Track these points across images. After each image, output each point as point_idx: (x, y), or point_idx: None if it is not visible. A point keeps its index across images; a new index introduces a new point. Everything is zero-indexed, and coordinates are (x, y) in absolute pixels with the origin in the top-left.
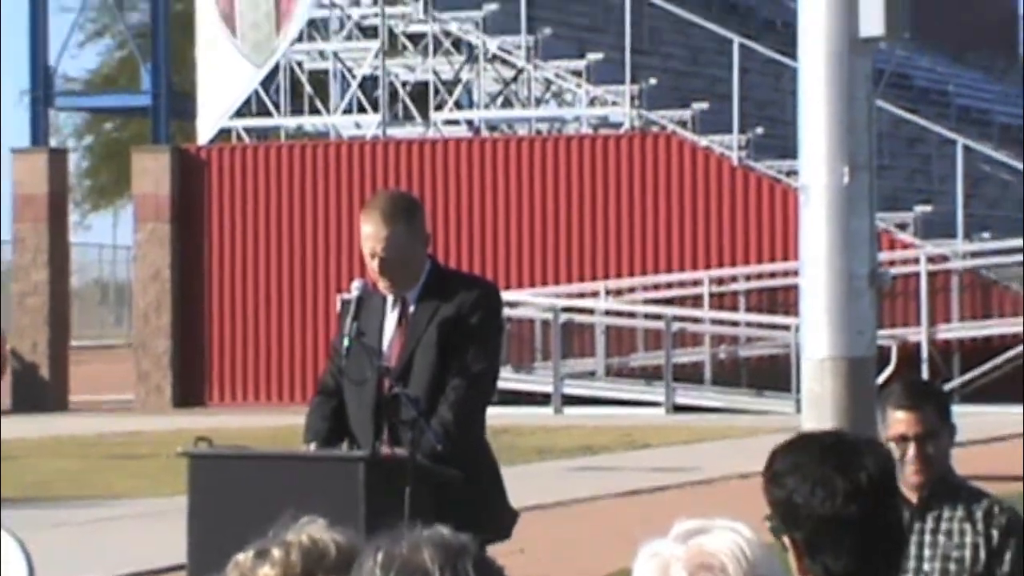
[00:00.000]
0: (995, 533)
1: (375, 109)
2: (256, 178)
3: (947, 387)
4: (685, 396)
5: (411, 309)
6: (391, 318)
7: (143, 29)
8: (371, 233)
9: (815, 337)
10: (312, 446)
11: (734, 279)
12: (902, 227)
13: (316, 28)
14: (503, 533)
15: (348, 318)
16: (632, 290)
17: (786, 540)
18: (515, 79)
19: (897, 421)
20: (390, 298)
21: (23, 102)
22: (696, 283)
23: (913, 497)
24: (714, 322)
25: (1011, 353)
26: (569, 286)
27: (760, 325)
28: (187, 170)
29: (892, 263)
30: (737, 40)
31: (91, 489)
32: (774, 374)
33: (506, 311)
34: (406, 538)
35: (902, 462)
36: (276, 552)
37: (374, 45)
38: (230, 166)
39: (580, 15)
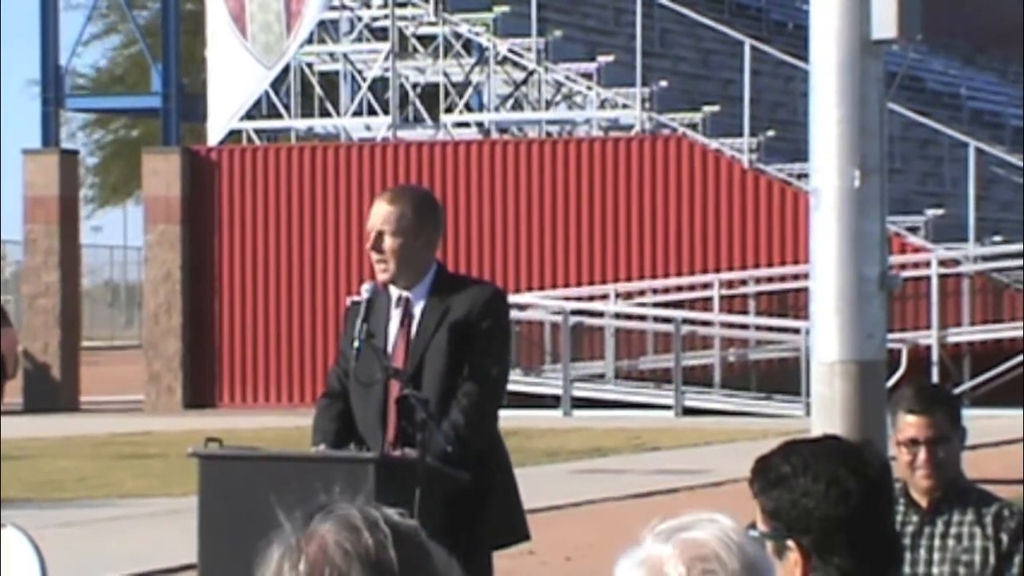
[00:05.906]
0: (1005, 537)
1: (385, 111)
2: (266, 180)
3: (957, 391)
4: (694, 399)
5: (416, 310)
6: (394, 318)
7: (153, 28)
8: (374, 211)
9: (825, 340)
10: (321, 447)
11: (744, 282)
12: (913, 230)
13: (326, 30)
14: (518, 536)
15: (358, 320)
16: (642, 293)
17: (790, 544)
18: (525, 81)
19: (908, 425)
20: (393, 298)
21: (31, 91)
22: (706, 286)
23: (923, 501)
24: (724, 325)
25: (1022, 357)
26: (579, 289)
27: (770, 328)
28: (197, 172)
29: (903, 266)
30: (748, 42)
31: (101, 489)
32: (784, 377)
33: (516, 313)
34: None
35: (912, 466)
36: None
37: (384, 47)
38: (240, 168)
39: (591, 17)
